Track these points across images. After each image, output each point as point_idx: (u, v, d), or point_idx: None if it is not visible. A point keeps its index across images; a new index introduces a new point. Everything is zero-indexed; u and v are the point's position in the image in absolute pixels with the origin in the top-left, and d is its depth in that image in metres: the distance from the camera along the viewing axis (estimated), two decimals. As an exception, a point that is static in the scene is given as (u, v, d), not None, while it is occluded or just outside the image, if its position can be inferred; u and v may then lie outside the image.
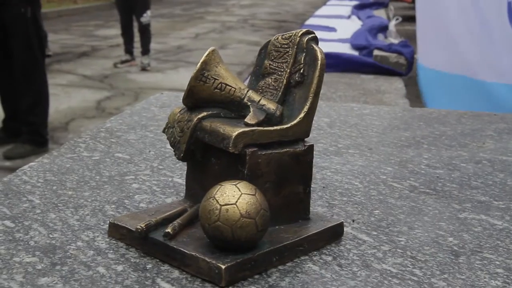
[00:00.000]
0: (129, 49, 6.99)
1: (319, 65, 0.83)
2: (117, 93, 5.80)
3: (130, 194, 0.99)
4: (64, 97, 5.55)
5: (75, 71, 6.66)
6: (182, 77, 6.35)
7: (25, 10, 3.86)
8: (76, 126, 4.71)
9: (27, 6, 3.88)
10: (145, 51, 6.86)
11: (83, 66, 6.96)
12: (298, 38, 0.86)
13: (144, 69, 6.82)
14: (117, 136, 1.29)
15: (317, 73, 0.83)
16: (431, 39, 2.92)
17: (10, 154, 4.04)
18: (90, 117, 5.00)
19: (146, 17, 6.70)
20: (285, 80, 0.85)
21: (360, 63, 3.78)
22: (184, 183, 0.91)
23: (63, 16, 11.07)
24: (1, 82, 4.13)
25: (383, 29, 5.01)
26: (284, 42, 0.87)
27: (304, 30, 0.87)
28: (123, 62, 6.95)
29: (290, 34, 0.87)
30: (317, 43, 0.86)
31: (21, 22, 3.89)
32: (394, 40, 4.30)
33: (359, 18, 6.10)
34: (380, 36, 4.81)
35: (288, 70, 0.85)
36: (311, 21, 6.28)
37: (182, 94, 0.82)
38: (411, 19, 4.81)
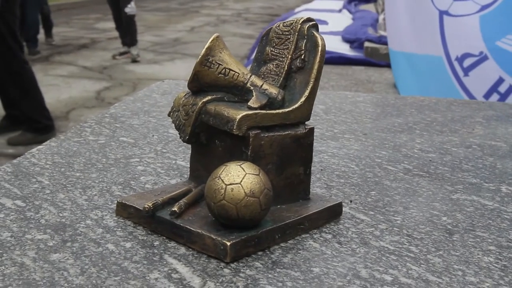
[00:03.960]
0: (125, 41, 6.89)
1: (319, 51, 0.83)
2: (116, 84, 5.79)
3: (136, 175, 0.99)
4: (65, 87, 5.54)
5: (76, 62, 6.64)
6: (178, 68, 6.34)
7: None
8: (76, 116, 4.70)
9: None
10: (132, 42, 6.66)
11: (83, 58, 6.94)
12: (299, 25, 0.85)
13: (134, 60, 6.64)
14: (121, 121, 1.28)
15: (317, 59, 0.83)
16: (396, 23, 2.90)
17: (13, 141, 4.03)
18: (90, 106, 4.99)
19: (130, 7, 6.45)
20: (286, 66, 0.85)
21: (351, 59, 3.80)
22: (187, 165, 0.91)
23: (63, 10, 11.01)
24: None
25: (373, 22, 5.00)
26: (285, 29, 0.87)
27: (305, 17, 0.87)
28: (121, 54, 6.88)
29: (291, 22, 0.87)
30: (317, 30, 0.85)
31: None
32: (383, 32, 4.29)
33: (350, 12, 6.09)
34: (370, 30, 4.80)
35: (289, 56, 0.85)
36: (302, 15, 6.27)
37: (183, 82, 0.82)
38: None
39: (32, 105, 4.05)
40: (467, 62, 2.53)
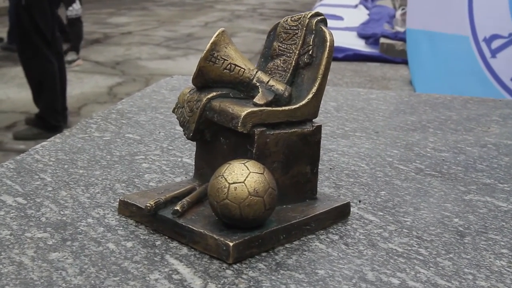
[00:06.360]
0: (74, 46, 6.23)
1: (327, 46, 0.82)
2: (128, 79, 5.80)
3: (140, 173, 0.98)
4: (76, 82, 5.55)
5: (88, 57, 6.66)
6: (192, 64, 6.32)
7: None
8: (88, 111, 4.71)
9: None
10: (72, 47, 6.13)
11: (96, 53, 6.95)
12: (307, 20, 0.84)
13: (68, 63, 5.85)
14: (127, 117, 1.28)
15: (325, 55, 0.82)
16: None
17: (19, 135, 4.05)
18: (102, 102, 5.00)
19: (72, 10, 5.83)
20: (293, 62, 0.84)
21: (366, 56, 3.77)
22: (193, 163, 0.90)
23: (76, 4, 11.04)
24: None
25: (390, 18, 4.97)
26: (293, 24, 0.85)
27: (313, 12, 0.85)
28: (70, 62, 6.09)
29: (299, 16, 0.85)
30: (326, 25, 0.84)
31: (18, 10, 3.85)
32: (400, 28, 4.25)
33: (366, 7, 6.06)
34: (386, 26, 4.77)
35: (297, 52, 0.84)
36: (318, 10, 6.23)
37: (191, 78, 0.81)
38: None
39: (45, 104, 4.06)
40: (496, 44, 2.49)
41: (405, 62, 3.50)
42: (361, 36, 4.31)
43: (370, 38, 4.12)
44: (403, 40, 3.73)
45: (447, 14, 2.59)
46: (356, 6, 6.32)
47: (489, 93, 2.44)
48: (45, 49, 3.97)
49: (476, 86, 2.50)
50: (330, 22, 0.87)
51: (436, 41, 2.66)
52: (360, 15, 5.47)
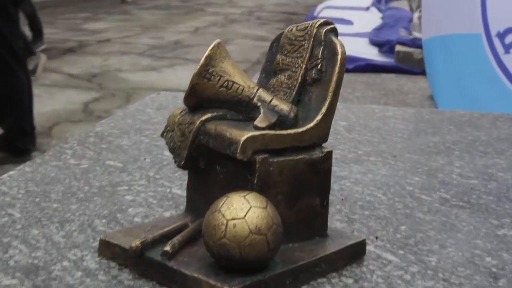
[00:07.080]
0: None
1: (339, 60, 0.82)
2: (106, 94, 5.81)
3: (123, 207, 0.98)
4: (47, 98, 5.56)
5: (60, 69, 6.68)
6: (180, 76, 6.35)
7: None
8: (60, 132, 4.72)
9: None
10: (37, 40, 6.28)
11: (69, 64, 6.97)
12: (315, 30, 0.85)
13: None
14: (108, 141, 1.28)
15: (336, 70, 0.82)
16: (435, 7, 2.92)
17: None
18: (77, 121, 5.01)
19: None
20: (300, 77, 0.84)
21: (380, 66, 3.81)
22: (185, 194, 0.90)
23: (46, 8, 11.10)
24: None
25: (407, 22, 5.01)
26: (299, 34, 0.86)
27: (321, 20, 0.86)
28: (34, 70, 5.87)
29: (306, 25, 0.86)
30: (336, 35, 0.85)
31: None
32: (418, 34, 4.28)
33: (379, 10, 6.11)
34: (402, 31, 4.81)
35: (304, 66, 0.84)
36: (324, 13, 6.28)
37: (182, 94, 0.81)
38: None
39: (11, 125, 4.03)
40: (510, 38, 2.54)
41: (424, 72, 3.52)
42: (374, 43, 4.34)
43: (384, 46, 4.15)
44: (422, 47, 3.76)
45: (459, 13, 2.66)
46: (367, 8, 6.36)
47: (500, 93, 2.49)
48: (11, 62, 3.96)
49: (486, 86, 2.56)
50: (337, 27, 0.87)
51: (450, 44, 2.73)
52: (372, 19, 5.51)
